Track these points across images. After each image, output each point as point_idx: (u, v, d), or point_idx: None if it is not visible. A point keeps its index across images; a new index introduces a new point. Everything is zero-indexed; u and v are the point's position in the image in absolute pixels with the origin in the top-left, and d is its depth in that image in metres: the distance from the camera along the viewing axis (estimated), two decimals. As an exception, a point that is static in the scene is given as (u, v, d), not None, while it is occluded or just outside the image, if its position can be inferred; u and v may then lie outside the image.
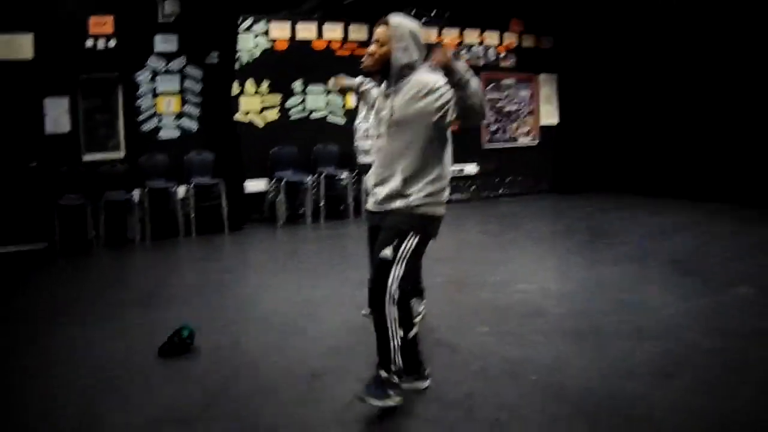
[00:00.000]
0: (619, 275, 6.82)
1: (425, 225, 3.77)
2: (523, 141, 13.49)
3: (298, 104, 11.04)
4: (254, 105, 10.67)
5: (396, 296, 3.69)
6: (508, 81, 13.22)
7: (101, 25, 9.25)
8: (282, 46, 10.81)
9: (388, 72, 3.77)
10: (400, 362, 3.74)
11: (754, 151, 10.86)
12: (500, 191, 13.33)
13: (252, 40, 10.56)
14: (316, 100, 11.18)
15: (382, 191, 3.83)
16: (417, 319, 4.60)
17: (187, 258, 8.87)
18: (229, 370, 4.50)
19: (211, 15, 9.71)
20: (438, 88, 3.60)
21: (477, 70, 12.49)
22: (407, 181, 3.73)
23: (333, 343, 5.00)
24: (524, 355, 4.60)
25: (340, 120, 11.36)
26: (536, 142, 13.62)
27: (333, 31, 11.24)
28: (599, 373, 4.23)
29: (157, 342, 4.87)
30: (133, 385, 4.26)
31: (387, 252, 3.69)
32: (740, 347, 4.63)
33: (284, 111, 10.93)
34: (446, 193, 3.86)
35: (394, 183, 3.75)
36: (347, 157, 11.17)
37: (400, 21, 3.75)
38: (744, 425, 3.51)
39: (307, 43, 11.05)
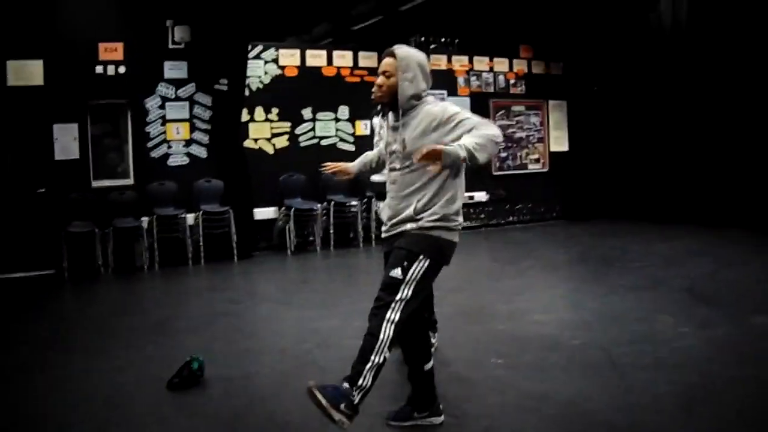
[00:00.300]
0: (634, 304, 6.70)
1: (437, 249, 3.70)
2: (533, 168, 13.42)
3: (308, 131, 10.99)
4: (264, 132, 10.63)
5: (397, 317, 3.57)
6: (517, 108, 13.18)
7: (111, 51, 9.28)
8: (292, 72, 10.80)
9: (396, 103, 3.72)
10: (368, 383, 3.56)
11: (765, 175, 10.76)
12: (510, 218, 13.24)
13: (262, 67, 10.55)
14: (326, 127, 11.14)
15: (395, 219, 3.78)
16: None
17: (195, 286, 8.77)
18: (242, 402, 4.40)
19: (221, 42, 9.71)
20: (450, 119, 3.59)
21: (486, 96, 12.49)
22: (420, 209, 3.68)
23: (344, 375, 4.88)
24: (543, 389, 4.48)
25: (350, 147, 11.31)
26: (546, 168, 13.54)
27: (342, 58, 11.24)
28: (621, 407, 4.11)
29: (167, 373, 4.78)
30: (145, 417, 4.16)
31: (396, 272, 3.61)
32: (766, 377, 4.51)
33: (294, 138, 10.88)
34: (459, 219, 3.78)
35: (408, 212, 3.71)
36: (357, 185, 11.14)
37: (407, 52, 3.73)
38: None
39: (316, 70, 11.03)
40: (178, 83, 9.82)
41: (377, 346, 3.54)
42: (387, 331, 3.55)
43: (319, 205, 10.64)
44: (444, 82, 12.11)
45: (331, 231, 10.73)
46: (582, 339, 5.60)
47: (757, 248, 9.26)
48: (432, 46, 11.91)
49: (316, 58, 11.01)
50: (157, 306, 7.43)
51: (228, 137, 10.05)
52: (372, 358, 3.54)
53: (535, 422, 3.95)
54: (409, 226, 3.70)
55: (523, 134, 13.27)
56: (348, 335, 5.99)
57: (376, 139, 5.68)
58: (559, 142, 13.77)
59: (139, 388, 4.69)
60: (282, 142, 10.78)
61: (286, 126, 10.80)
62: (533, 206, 13.51)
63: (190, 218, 9.68)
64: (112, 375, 4.98)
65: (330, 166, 4.68)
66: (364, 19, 10.81)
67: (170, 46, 9.68)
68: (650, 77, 12.65)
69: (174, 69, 9.76)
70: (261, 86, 10.57)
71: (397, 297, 3.58)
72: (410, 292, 3.61)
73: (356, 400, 3.49)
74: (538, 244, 11.00)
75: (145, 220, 9.38)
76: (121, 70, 9.36)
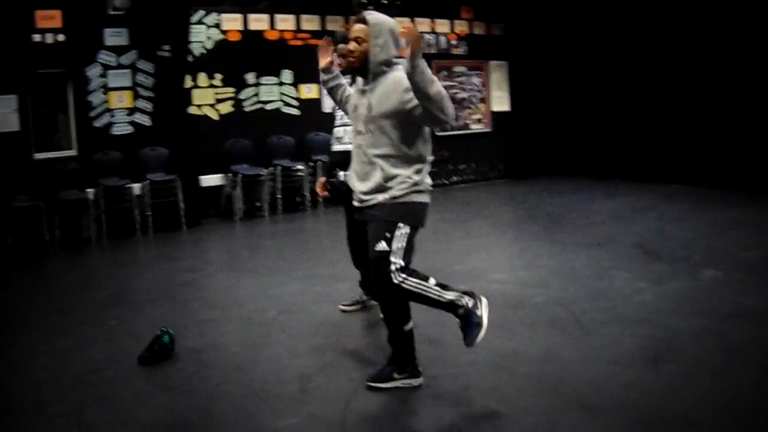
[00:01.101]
0: (588, 261, 6.90)
1: (412, 214, 3.80)
2: (476, 128, 13.54)
3: (252, 96, 10.86)
4: (208, 98, 10.46)
5: (404, 276, 3.71)
6: (459, 68, 13.24)
7: (48, 18, 8.96)
8: (235, 37, 10.63)
9: (366, 68, 3.81)
10: (452, 293, 3.81)
11: (705, 131, 11.10)
12: (454, 178, 13.38)
13: (204, 32, 10.35)
14: (270, 91, 11.02)
15: (365, 187, 3.84)
16: None
17: (148, 257, 8.67)
18: (217, 373, 4.42)
19: (162, 7, 9.47)
20: (402, 83, 3.67)
21: (428, 58, 12.48)
22: (388, 175, 3.75)
23: (316, 342, 4.95)
24: (512, 347, 4.62)
25: (295, 111, 11.24)
26: (488, 128, 13.68)
27: (285, 22, 11.09)
28: (590, 363, 4.27)
29: (135, 347, 4.78)
30: (122, 393, 4.14)
31: (382, 245, 3.71)
32: (727, 327, 4.73)
33: (238, 103, 10.74)
34: (428, 181, 3.90)
35: (376, 178, 3.78)
36: (302, 149, 11.12)
37: (379, 18, 3.82)
38: (748, 407, 3.57)
39: (259, 34, 10.88)
40: (119, 50, 9.54)
41: (426, 294, 3.76)
42: (412, 284, 3.73)
43: (265, 171, 10.57)
44: (386, 43, 12.05)
45: (279, 196, 10.68)
46: (543, 297, 5.77)
47: (698, 204, 9.57)
48: (370, 7, 11.81)
49: (258, 22, 10.83)
50: (112, 279, 7.31)
51: (172, 104, 9.87)
52: (434, 297, 3.78)
53: (509, 379, 4.08)
54: (381, 197, 3.78)
55: (466, 95, 13.35)
56: (311, 300, 6.07)
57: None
58: (501, 102, 13.90)
59: (110, 364, 4.64)
60: (226, 107, 10.63)
61: (230, 91, 10.64)
62: (476, 166, 13.67)
63: (136, 188, 9.51)
64: (79, 352, 4.91)
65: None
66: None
67: (110, 12, 9.38)
68: (588, 36, 12.87)
69: (115, 36, 9.48)
70: (204, 52, 10.36)
71: (392, 267, 3.70)
72: (400, 259, 3.73)
73: (468, 301, 3.85)
74: (484, 204, 11.16)
75: (90, 191, 9.16)
76: (60, 38, 9.05)
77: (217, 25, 10.47)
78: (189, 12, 9.87)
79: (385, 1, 12.11)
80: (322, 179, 5.47)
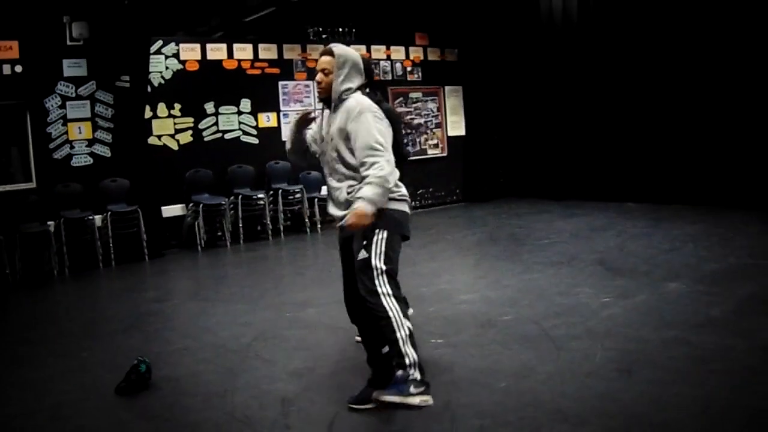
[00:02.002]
0: (552, 279, 7.04)
1: (389, 221, 3.83)
2: (432, 153, 13.71)
3: (211, 125, 10.86)
4: (167, 128, 10.43)
5: (387, 289, 3.74)
6: (415, 94, 13.42)
7: (6, 50, 8.88)
8: (193, 66, 10.64)
9: (331, 97, 3.97)
10: (414, 354, 3.68)
11: (655, 150, 11.44)
12: (413, 203, 13.45)
13: (163, 62, 10.34)
14: (229, 121, 11.04)
15: (340, 209, 3.94)
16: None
17: (113, 289, 8.55)
18: (197, 401, 4.40)
19: (121, 37, 9.43)
20: (354, 119, 3.80)
21: (385, 84, 12.64)
22: (352, 191, 3.86)
23: (293, 367, 4.97)
24: (488, 364, 4.70)
25: (254, 140, 11.27)
26: (445, 153, 13.86)
27: (243, 51, 11.15)
28: (565, 376, 4.38)
29: (111, 378, 4.73)
30: (101, 425, 4.11)
31: (362, 253, 3.78)
32: (695, 337, 4.89)
33: (197, 132, 10.73)
34: (402, 190, 3.95)
35: (342, 195, 3.92)
36: (262, 177, 11.14)
37: (343, 50, 3.98)
38: (722, 411, 3.70)
39: (217, 63, 10.91)
40: (78, 81, 9.49)
41: (395, 322, 3.69)
42: (391, 304, 3.72)
43: (226, 200, 10.57)
44: (343, 71, 12.18)
45: (240, 225, 10.67)
46: (512, 315, 5.87)
47: (655, 221, 9.82)
48: (324, 36, 11.95)
49: (216, 51, 10.87)
50: (78, 311, 7.24)
51: (132, 135, 9.81)
52: (399, 335, 3.67)
53: (488, 395, 4.16)
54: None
55: (422, 120, 13.53)
56: (284, 326, 6.08)
57: None
58: (457, 126, 14.12)
59: (86, 396, 4.60)
60: (186, 137, 10.61)
61: (189, 121, 10.63)
62: (434, 190, 13.82)
63: (98, 219, 9.41)
64: (53, 384, 4.86)
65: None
66: (256, 11, 10.73)
67: (68, 42, 9.34)
68: (540, 60, 13.19)
69: (73, 66, 9.42)
70: (162, 81, 10.34)
71: (375, 273, 3.74)
72: (382, 263, 3.75)
73: (418, 376, 3.64)
74: (445, 228, 11.28)
75: (51, 224, 9.03)
76: (18, 69, 8.98)
77: (175, 55, 10.47)
78: (148, 42, 9.84)
79: (342, 30, 12.29)
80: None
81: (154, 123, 10.30)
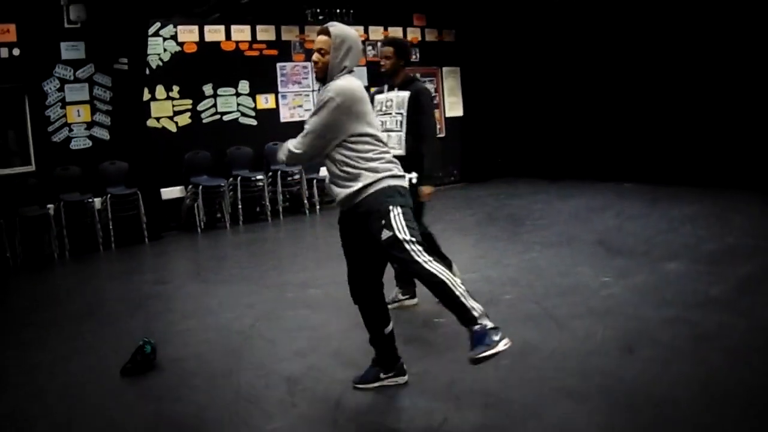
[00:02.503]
0: (552, 259, 7.08)
1: (395, 194, 3.80)
2: (431, 134, 13.66)
3: (210, 107, 10.85)
4: (166, 110, 10.42)
5: (426, 257, 3.67)
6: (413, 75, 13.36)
7: (3, 32, 8.85)
8: (191, 48, 10.62)
9: (326, 79, 3.87)
10: (478, 305, 3.66)
11: (653, 130, 11.45)
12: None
13: (161, 44, 10.32)
14: (227, 102, 11.03)
15: (335, 190, 3.91)
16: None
17: (114, 271, 8.56)
18: (203, 381, 4.44)
19: (119, 20, 9.39)
20: (318, 101, 3.79)
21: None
22: (346, 173, 3.81)
23: (297, 346, 5.00)
24: (490, 344, 4.73)
25: (252, 121, 11.27)
26: (443, 134, 13.85)
27: (241, 33, 11.12)
28: (568, 354, 4.43)
29: (116, 359, 4.77)
30: (109, 405, 4.15)
31: (385, 233, 3.70)
32: (694, 316, 4.93)
33: (196, 115, 10.72)
34: (386, 166, 3.85)
35: (340, 193, 3.86)
36: (261, 159, 11.15)
37: (341, 29, 3.85)
38: (722, 389, 3.74)
39: (215, 45, 10.88)
40: (76, 64, 9.47)
41: (450, 283, 3.61)
42: (437, 270, 3.63)
43: (225, 182, 10.58)
44: (341, 52, 12.16)
45: (240, 206, 10.69)
46: (513, 294, 5.91)
47: (652, 201, 9.83)
48: (321, 17, 11.89)
49: (214, 33, 10.84)
50: (80, 294, 7.24)
51: (130, 118, 9.80)
52: (457, 294, 3.60)
53: (492, 373, 4.17)
54: (356, 199, 3.81)
55: (420, 101, 13.47)
56: (286, 306, 6.11)
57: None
58: (455, 107, 14.12)
59: (93, 377, 4.64)
60: (184, 119, 10.60)
61: (187, 103, 10.62)
62: (433, 171, 13.79)
63: (97, 202, 9.43)
64: (60, 366, 4.90)
65: None
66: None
67: (66, 25, 9.31)
68: (538, 41, 13.18)
69: (71, 49, 9.40)
70: (161, 64, 10.33)
71: (407, 246, 3.67)
72: (409, 235, 3.69)
73: (489, 324, 3.63)
74: (444, 208, 11.25)
75: (51, 207, 9.05)
76: (15, 52, 8.95)
77: (173, 37, 10.44)
78: (146, 24, 9.81)
79: (339, 11, 12.24)
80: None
81: (153, 105, 10.30)
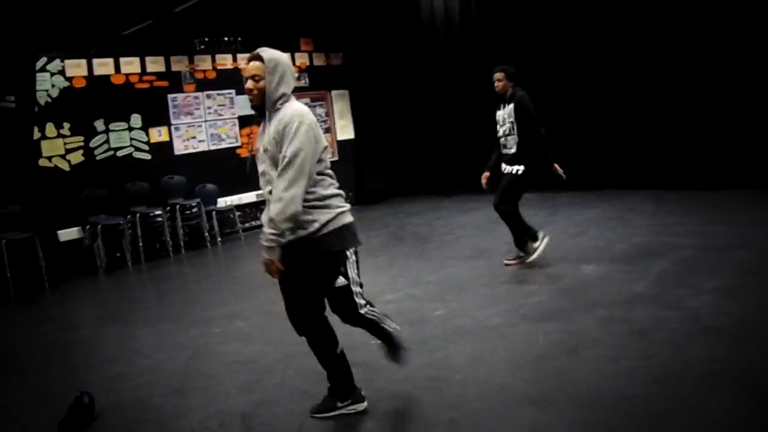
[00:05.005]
0: (471, 271, 7.25)
1: (347, 236, 3.88)
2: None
3: (102, 143, 10.49)
4: (57, 148, 10.00)
5: (365, 307, 4.03)
6: (303, 100, 13.21)
7: None
8: (80, 83, 10.24)
9: (264, 106, 3.81)
10: (393, 325, 4.25)
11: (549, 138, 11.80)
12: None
13: (48, 80, 9.90)
14: (120, 137, 10.69)
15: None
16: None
17: (22, 321, 8.04)
18: (153, 426, 4.29)
19: (5, 55, 8.94)
20: (286, 133, 3.65)
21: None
22: (304, 210, 3.72)
23: (240, 381, 4.92)
24: (436, 359, 4.81)
25: (146, 156, 10.96)
26: (336, 157, 13.89)
27: (130, 65, 10.82)
28: (517, 361, 4.56)
29: (49, 414, 4.55)
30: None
31: (340, 280, 3.85)
32: (626, 313, 5.18)
33: (89, 151, 10.34)
34: (338, 202, 3.91)
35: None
36: (158, 193, 10.87)
37: (273, 54, 3.83)
38: (672, 378, 3.96)
39: (105, 79, 10.54)
40: (-40, 104, 8.97)
41: (385, 327, 4.20)
42: (375, 312, 4.15)
43: (124, 219, 10.25)
44: (231, 81, 12.09)
45: (140, 244, 10.36)
46: (443, 310, 6.01)
47: (554, 209, 10.21)
48: (201, 47, 11.75)
49: (103, 66, 10.50)
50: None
51: (21, 158, 9.32)
52: (389, 329, 4.20)
53: (449, 388, 4.26)
54: (302, 233, 3.76)
55: (313, 126, 13.48)
56: (216, 342, 5.98)
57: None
58: (346, 130, 14.21)
59: (32, 434, 4.41)
60: (77, 157, 10.20)
61: (79, 140, 10.22)
62: (329, 195, 13.79)
63: (-10, 250, 8.92)
64: (-8, 424, 4.62)
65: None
66: (134, 23, 10.42)
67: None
68: (424, 62, 13.47)
69: (-45, 88, 8.91)
70: (49, 100, 9.90)
71: (355, 295, 3.96)
72: (358, 287, 3.98)
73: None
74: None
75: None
76: None
77: (60, 72, 10.04)
78: (33, 59, 9.37)
79: (227, 39, 12.14)
80: (487, 173, 7.40)
81: (44, 144, 9.86)
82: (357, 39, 13.84)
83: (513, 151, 7.02)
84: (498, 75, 7.05)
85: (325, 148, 3.85)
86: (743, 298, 5.19)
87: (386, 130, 14.30)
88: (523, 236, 7.06)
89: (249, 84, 3.79)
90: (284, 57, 3.87)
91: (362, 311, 3.98)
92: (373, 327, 4.12)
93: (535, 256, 6.96)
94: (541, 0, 11.62)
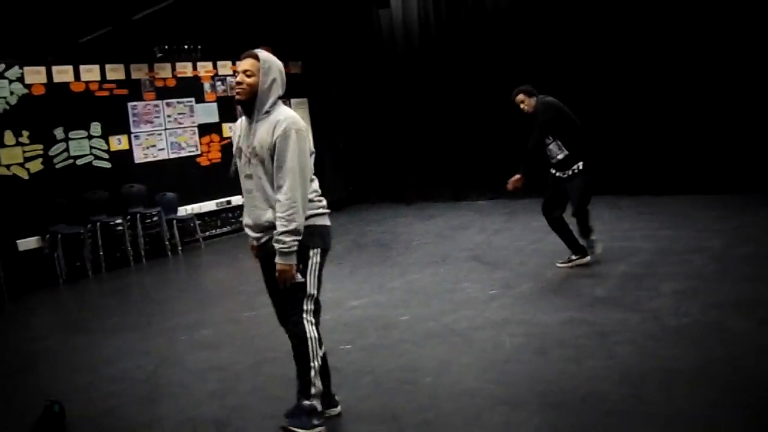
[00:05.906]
0: (434, 277, 7.38)
1: (319, 237, 3.90)
2: (287, 165, 13.70)
3: (62, 151, 10.37)
4: (16, 157, 9.85)
5: (312, 317, 3.83)
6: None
7: None
8: (39, 90, 10.11)
9: (253, 106, 3.82)
10: (320, 386, 3.81)
11: (493, 146, 11.97)
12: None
13: (7, 87, 9.76)
14: (80, 146, 10.58)
15: (256, 229, 3.91)
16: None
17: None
18: (126, 435, 4.31)
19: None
20: (280, 136, 3.70)
21: (232, 100, 12.52)
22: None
23: (210, 388, 4.95)
24: (404, 363, 4.90)
25: (106, 164, 10.87)
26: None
27: (90, 73, 10.73)
28: (485, 364, 4.70)
29: (22, 424, 4.52)
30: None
31: (298, 276, 3.77)
32: (589, 315, 5.37)
33: (48, 160, 10.21)
34: (322, 203, 3.97)
35: (267, 215, 3.81)
36: (119, 202, 10.79)
37: (269, 56, 3.87)
38: (637, 376, 4.13)
39: (65, 86, 10.44)
40: None
41: (311, 350, 3.74)
42: (311, 330, 3.77)
43: (84, 228, 10.16)
44: (191, 89, 12.08)
45: (101, 253, 10.28)
46: (408, 315, 6.11)
47: (510, 215, 10.44)
48: (160, 55, 11.69)
49: (62, 74, 10.38)
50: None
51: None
52: (312, 363, 3.73)
53: (419, 391, 4.35)
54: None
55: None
56: (183, 350, 5.99)
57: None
58: (305, 138, 14.20)
59: (1, 444, 4.39)
60: (36, 165, 10.06)
61: (38, 148, 10.08)
62: (289, 203, 13.82)
63: (-51, 262, 8.79)
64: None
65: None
66: (91, 31, 10.34)
67: None
68: (382, 70, 13.59)
69: None
70: (8, 107, 9.75)
71: (306, 297, 3.81)
72: (314, 289, 3.86)
73: (320, 407, 3.76)
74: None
75: None
76: None
77: (19, 79, 9.91)
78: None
79: (187, 47, 12.10)
80: (518, 176, 6.92)
81: (2, 152, 9.71)
82: (316, 47, 13.91)
83: (560, 156, 6.90)
84: (519, 97, 6.98)
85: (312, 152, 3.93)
86: (700, 300, 5.40)
87: (346, 139, 14.37)
88: (578, 238, 7.03)
89: (239, 77, 3.80)
90: (279, 62, 3.91)
91: (303, 317, 3.79)
92: (302, 347, 3.78)
93: (599, 250, 7.04)
94: (508, 9, 11.82)
